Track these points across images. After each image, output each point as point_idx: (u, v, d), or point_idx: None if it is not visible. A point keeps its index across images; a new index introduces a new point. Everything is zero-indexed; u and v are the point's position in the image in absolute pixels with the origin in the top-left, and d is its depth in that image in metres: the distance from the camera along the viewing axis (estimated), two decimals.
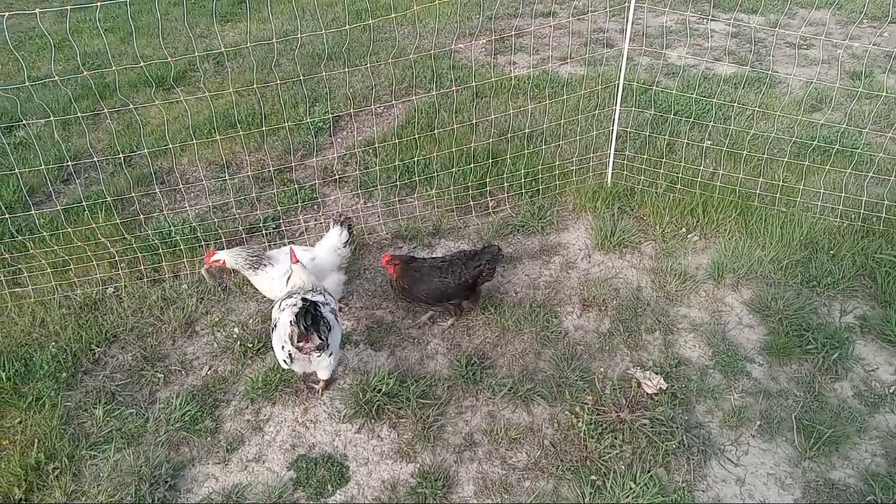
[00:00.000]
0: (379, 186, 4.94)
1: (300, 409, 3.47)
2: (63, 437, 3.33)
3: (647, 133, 5.34)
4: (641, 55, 6.90)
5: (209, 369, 3.73)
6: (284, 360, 3.24)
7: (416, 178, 5.02)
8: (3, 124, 6.08)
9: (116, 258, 4.33)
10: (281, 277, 3.58)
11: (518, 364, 3.69)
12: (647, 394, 3.46)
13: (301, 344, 3.10)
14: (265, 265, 3.65)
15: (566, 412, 3.40)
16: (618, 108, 4.73)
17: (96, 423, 3.41)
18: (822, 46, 7.29)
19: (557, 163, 5.04)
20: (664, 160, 5.04)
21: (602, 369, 3.64)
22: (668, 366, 3.64)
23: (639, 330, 3.89)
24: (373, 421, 3.39)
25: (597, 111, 5.71)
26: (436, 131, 5.33)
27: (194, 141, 4.99)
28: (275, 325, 3.30)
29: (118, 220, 4.41)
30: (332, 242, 3.80)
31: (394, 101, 6.03)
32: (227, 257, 3.64)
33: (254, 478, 3.17)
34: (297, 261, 3.46)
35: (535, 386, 3.53)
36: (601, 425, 3.30)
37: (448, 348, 3.81)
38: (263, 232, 4.66)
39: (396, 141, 5.34)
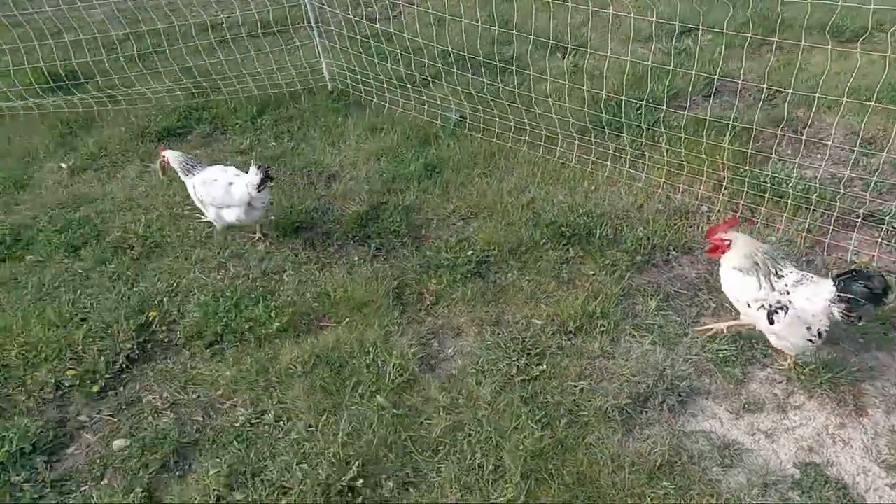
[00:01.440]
0: None
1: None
2: (618, 305, 3.82)
3: None
4: None
5: None
6: (810, 340, 3.10)
7: None
8: (678, 30, 6.67)
9: (723, 183, 4.47)
10: (194, 184, 4.22)
11: None
12: None
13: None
14: (191, 173, 4.23)
15: None
16: None
17: (646, 311, 3.78)
18: None
19: None
20: None
21: None
22: None
23: None
24: None
25: None
26: None
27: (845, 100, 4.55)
28: (778, 310, 3.11)
29: (747, 150, 4.48)
30: (246, 179, 4.11)
31: None
32: (171, 157, 4.30)
33: (756, 447, 3.08)
34: (732, 225, 3.37)
35: None
36: None
37: None
38: (884, 228, 4.07)
39: None
